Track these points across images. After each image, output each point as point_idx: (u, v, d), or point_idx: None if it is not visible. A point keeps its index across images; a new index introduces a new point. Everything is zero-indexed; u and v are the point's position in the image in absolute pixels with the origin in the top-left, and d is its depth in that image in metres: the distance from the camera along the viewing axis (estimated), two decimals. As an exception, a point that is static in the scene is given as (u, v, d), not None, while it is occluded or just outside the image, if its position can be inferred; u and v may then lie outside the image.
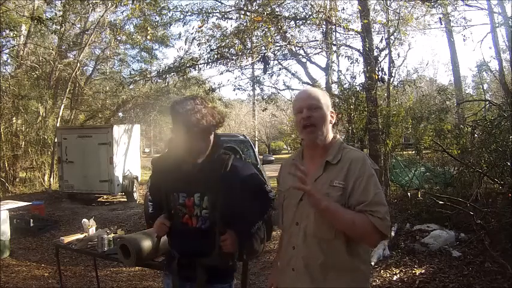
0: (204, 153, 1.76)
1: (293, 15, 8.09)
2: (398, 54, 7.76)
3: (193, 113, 1.66)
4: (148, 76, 9.95)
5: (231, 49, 8.45)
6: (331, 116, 1.67)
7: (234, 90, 19.10)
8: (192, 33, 8.67)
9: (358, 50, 7.73)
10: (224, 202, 1.75)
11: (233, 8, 8.28)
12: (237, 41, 8.43)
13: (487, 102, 8.30)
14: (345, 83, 8.07)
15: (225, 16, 8.04)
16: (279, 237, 1.92)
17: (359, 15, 7.72)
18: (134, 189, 10.64)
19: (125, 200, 10.57)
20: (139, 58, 18.93)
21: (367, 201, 1.48)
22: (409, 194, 6.66)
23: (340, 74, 9.90)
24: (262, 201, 1.91)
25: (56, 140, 11.42)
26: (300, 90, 1.88)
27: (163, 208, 1.90)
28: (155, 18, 11.00)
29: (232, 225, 1.80)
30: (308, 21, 7.82)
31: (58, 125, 12.71)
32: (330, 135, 1.66)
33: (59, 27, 11.98)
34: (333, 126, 1.70)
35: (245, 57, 8.49)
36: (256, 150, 8.68)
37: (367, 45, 7.30)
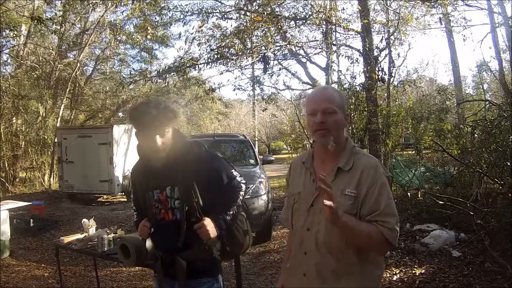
0: (166, 149, 1.85)
1: (293, 15, 8.10)
2: (398, 54, 7.78)
3: (144, 116, 1.79)
4: (149, 76, 9.96)
5: (231, 49, 8.46)
6: (345, 119, 1.60)
7: (234, 90, 19.15)
8: (192, 33, 8.69)
9: (358, 50, 7.74)
10: (193, 190, 1.84)
11: (233, 8, 8.28)
12: (237, 41, 8.43)
13: (487, 102, 8.29)
14: (345, 83, 8.07)
15: (225, 16, 8.04)
16: (287, 239, 1.89)
17: (359, 15, 7.72)
18: (134, 189, 10.64)
19: (125, 200, 10.56)
20: (139, 58, 18.93)
21: (378, 210, 1.46)
22: (409, 194, 6.66)
23: (340, 74, 9.91)
24: (231, 187, 1.97)
25: (56, 140, 11.43)
26: (317, 88, 1.80)
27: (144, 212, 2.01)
28: (155, 18, 11.01)
29: (208, 213, 1.86)
30: (308, 21, 7.83)
31: (58, 125, 12.72)
32: (343, 138, 1.62)
33: (59, 27, 11.98)
34: None
35: (245, 57, 8.50)
36: (256, 150, 8.67)
37: (367, 45, 7.30)
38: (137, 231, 2.05)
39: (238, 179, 1.99)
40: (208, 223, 1.83)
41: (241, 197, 2.00)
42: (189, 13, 8.48)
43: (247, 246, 2.08)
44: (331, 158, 1.58)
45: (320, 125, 1.53)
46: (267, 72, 9.90)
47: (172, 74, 8.77)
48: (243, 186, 2.00)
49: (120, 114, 18.24)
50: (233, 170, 1.99)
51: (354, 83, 7.72)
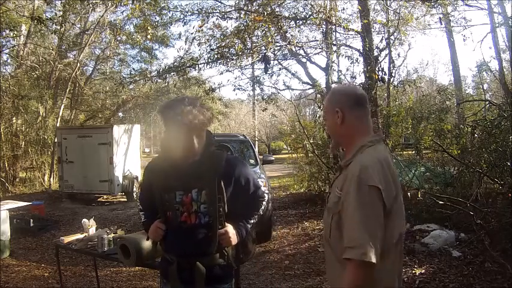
0: (199, 150, 1.80)
1: (293, 15, 8.09)
2: (398, 54, 7.79)
3: (184, 114, 1.71)
4: (148, 76, 9.95)
5: (231, 49, 8.45)
6: (337, 117, 1.55)
7: (234, 90, 19.08)
8: (192, 33, 8.67)
9: (358, 50, 7.73)
10: (221, 195, 1.79)
11: (233, 8, 8.27)
12: (237, 41, 8.43)
13: (487, 102, 8.29)
14: (345, 83, 8.06)
15: (225, 16, 8.04)
16: None
17: (359, 15, 7.72)
18: (134, 189, 10.63)
19: (125, 200, 10.57)
20: (139, 58, 18.90)
21: (344, 223, 1.42)
22: (409, 194, 6.65)
23: (340, 74, 9.90)
24: (256, 197, 1.95)
25: (56, 140, 11.43)
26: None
27: (157, 213, 1.90)
28: (155, 18, 11.00)
29: (230, 220, 1.83)
30: (308, 21, 7.82)
31: (58, 125, 12.72)
32: (356, 135, 1.55)
33: (59, 27, 11.96)
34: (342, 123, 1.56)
35: (245, 57, 8.49)
36: (256, 150, 8.67)
37: (367, 45, 7.30)
38: (146, 232, 1.96)
39: (263, 189, 1.97)
40: (231, 230, 1.81)
41: (263, 207, 1.97)
42: (189, 13, 8.47)
43: (253, 253, 2.09)
44: (346, 151, 1.62)
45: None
46: (268, 72, 9.89)
47: (172, 74, 8.75)
48: (266, 196, 1.98)
49: (120, 114, 18.24)
50: (259, 179, 1.97)
51: (354, 83, 7.72)
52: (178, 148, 1.76)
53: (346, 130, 1.56)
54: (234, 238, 1.81)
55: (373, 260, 1.32)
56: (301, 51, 9.52)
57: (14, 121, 12.69)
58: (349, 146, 1.57)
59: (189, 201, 1.81)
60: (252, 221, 1.93)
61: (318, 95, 9.42)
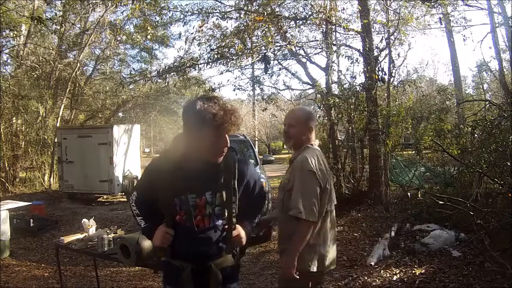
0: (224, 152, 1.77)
1: (293, 15, 8.09)
2: (398, 54, 7.75)
3: (228, 113, 1.65)
4: (149, 76, 9.95)
5: (231, 49, 8.45)
6: (307, 130, 2.30)
7: (234, 90, 19.05)
8: (192, 33, 8.69)
9: (358, 50, 7.73)
10: (235, 197, 1.80)
11: (233, 8, 8.27)
12: (237, 41, 8.43)
13: (487, 102, 8.29)
14: (345, 83, 8.07)
15: (225, 16, 8.04)
16: None
17: (359, 15, 7.72)
18: (134, 189, 10.62)
19: (125, 200, 10.56)
20: (139, 58, 18.86)
21: (292, 195, 2.13)
22: (409, 194, 6.66)
23: (340, 74, 9.90)
24: (260, 197, 2.00)
25: (56, 140, 11.44)
26: (293, 107, 2.54)
27: (161, 217, 1.80)
28: (155, 18, 10.99)
29: (239, 220, 1.84)
30: (308, 21, 7.82)
31: (58, 125, 12.72)
32: (308, 141, 2.30)
33: (59, 27, 11.97)
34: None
35: (245, 57, 8.49)
36: (256, 150, 8.68)
37: (367, 45, 7.30)
38: (150, 239, 1.85)
39: (264, 189, 2.04)
40: (241, 231, 1.81)
41: (265, 206, 2.03)
42: (189, 13, 8.46)
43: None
44: (295, 151, 2.36)
45: (284, 133, 2.41)
46: (268, 72, 9.88)
47: (172, 74, 8.75)
48: (266, 196, 2.03)
49: (120, 114, 18.24)
50: (262, 179, 2.02)
51: (354, 83, 7.72)
52: (217, 149, 1.71)
53: (306, 138, 2.32)
54: (245, 238, 1.83)
55: (304, 217, 2.05)
56: (301, 51, 9.52)
57: (14, 121, 12.69)
58: (300, 147, 2.31)
59: (202, 204, 1.75)
60: (256, 220, 1.97)
61: (318, 95, 9.42)
